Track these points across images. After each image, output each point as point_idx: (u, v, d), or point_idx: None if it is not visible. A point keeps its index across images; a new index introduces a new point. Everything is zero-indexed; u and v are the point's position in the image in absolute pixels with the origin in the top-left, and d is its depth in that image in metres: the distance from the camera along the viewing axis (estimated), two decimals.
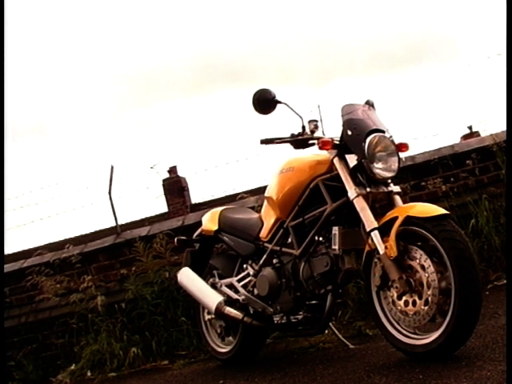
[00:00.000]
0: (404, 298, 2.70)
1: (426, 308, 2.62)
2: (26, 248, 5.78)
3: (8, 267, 5.35)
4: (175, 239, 4.01)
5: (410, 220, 2.69)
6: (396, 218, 2.73)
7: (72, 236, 5.47)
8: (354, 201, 2.86)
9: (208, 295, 3.59)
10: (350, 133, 2.96)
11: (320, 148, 3.02)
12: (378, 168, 2.89)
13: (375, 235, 2.76)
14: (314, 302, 3.16)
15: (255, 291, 3.43)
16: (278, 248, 3.33)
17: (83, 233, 5.26)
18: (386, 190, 2.95)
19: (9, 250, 5.90)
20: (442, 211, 2.69)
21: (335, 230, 2.97)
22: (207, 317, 3.86)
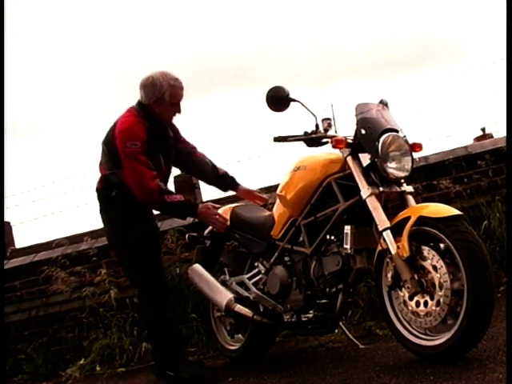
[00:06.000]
0: (415, 299, 2.69)
1: (438, 309, 2.60)
2: (37, 242, 5.81)
3: (19, 261, 5.38)
4: (186, 236, 4.00)
5: (422, 220, 2.68)
6: (409, 217, 2.72)
7: (84, 231, 5.48)
8: (367, 200, 2.85)
9: (218, 292, 3.59)
10: (363, 132, 2.95)
11: (333, 146, 3.01)
12: (392, 167, 2.88)
13: (387, 235, 2.75)
14: (324, 300, 3.15)
15: (266, 289, 3.43)
16: (289, 246, 3.32)
17: (94, 228, 5.28)
18: (398, 189, 2.94)
19: (20, 243, 5.93)
20: (456, 212, 2.68)
21: (347, 229, 2.96)
22: (217, 314, 3.86)
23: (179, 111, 3.56)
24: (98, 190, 3.58)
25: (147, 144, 3.36)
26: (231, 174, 3.89)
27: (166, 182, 3.64)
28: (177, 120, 3.67)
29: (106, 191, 3.50)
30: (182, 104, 3.54)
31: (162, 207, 3.48)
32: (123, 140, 3.35)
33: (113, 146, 3.40)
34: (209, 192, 3.93)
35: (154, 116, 3.47)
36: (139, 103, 3.52)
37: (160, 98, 3.44)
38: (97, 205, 3.63)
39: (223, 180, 3.86)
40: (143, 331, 3.86)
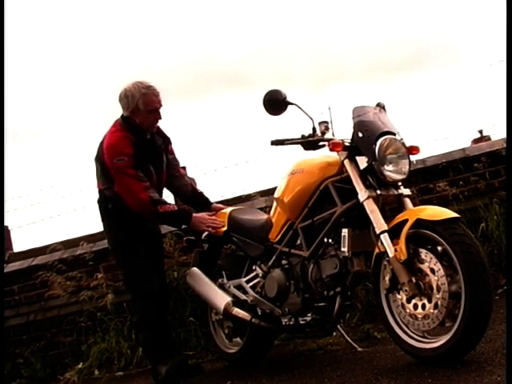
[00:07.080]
0: (413, 302, 2.69)
1: (436, 312, 2.60)
2: (35, 246, 5.79)
3: (17, 265, 5.36)
4: (184, 239, 4.00)
5: (420, 223, 2.68)
6: (406, 220, 2.72)
7: (81, 235, 5.47)
8: (364, 203, 2.86)
9: (216, 296, 3.59)
10: (360, 135, 2.95)
11: (331, 150, 3.01)
12: (389, 170, 2.89)
13: (385, 238, 2.75)
14: (322, 304, 3.15)
15: (264, 292, 3.43)
16: (287, 249, 3.32)
17: (92, 232, 5.27)
18: (396, 192, 2.95)
19: (18, 248, 5.91)
20: (453, 214, 2.68)
21: (345, 232, 2.96)
22: (215, 317, 3.86)
23: (159, 117, 3.62)
24: (98, 202, 3.74)
25: (135, 157, 3.44)
26: (206, 195, 4.00)
27: (160, 190, 3.70)
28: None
29: (104, 204, 3.67)
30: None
31: (156, 217, 3.57)
32: (110, 156, 3.45)
33: (103, 162, 3.52)
34: (207, 196, 3.95)
35: (136, 127, 3.54)
36: (122, 116, 3.60)
37: (135, 108, 3.52)
38: (95, 209, 3.78)
39: (199, 199, 3.95)
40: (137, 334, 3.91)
